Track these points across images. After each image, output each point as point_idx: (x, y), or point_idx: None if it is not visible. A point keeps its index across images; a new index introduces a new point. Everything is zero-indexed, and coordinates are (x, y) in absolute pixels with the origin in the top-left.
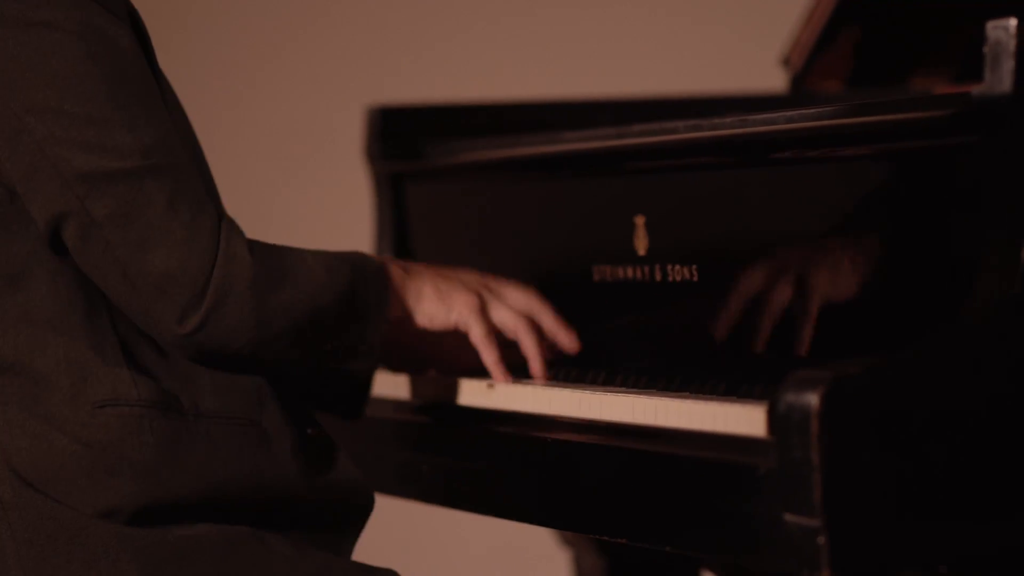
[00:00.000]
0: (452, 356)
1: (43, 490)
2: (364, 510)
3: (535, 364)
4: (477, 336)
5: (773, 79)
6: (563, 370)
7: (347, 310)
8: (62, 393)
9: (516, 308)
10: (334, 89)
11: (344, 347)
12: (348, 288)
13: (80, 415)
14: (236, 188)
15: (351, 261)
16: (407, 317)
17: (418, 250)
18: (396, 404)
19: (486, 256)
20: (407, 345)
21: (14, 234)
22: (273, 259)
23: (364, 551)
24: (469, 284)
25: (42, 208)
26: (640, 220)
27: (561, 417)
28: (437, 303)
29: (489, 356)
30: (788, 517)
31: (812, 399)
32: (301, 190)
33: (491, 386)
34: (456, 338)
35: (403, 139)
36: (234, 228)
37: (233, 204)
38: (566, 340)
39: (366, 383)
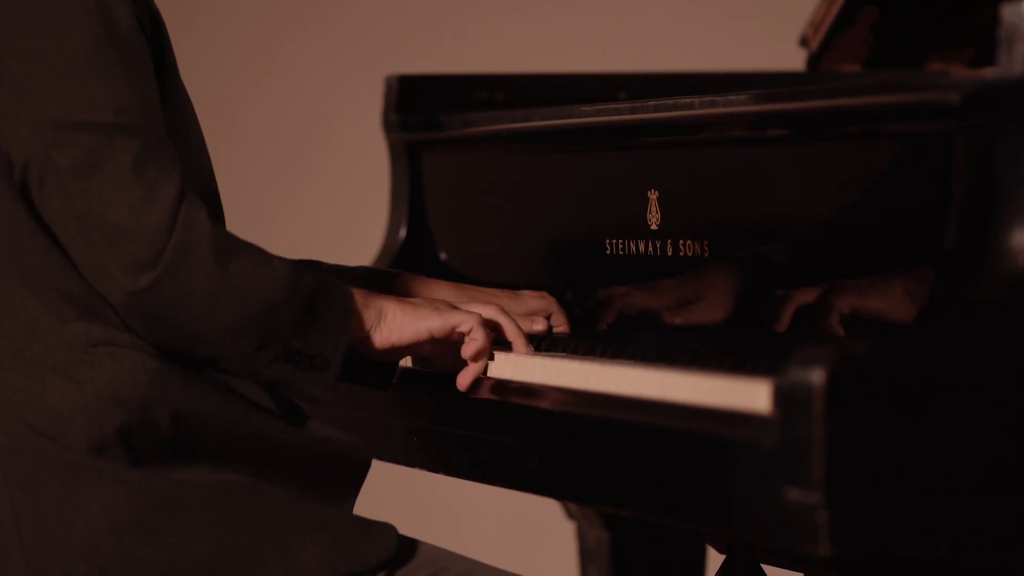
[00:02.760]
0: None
1: (40, 430)
2: (359, 469)
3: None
4: (466, 325)
5: (792, 60)
6: (572, 342)
7: (306, 317)
8: (54, 335)
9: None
10: (353, 59)
11: (301, 356)
12: (309, 295)
13: (73, 354)
14: (255, 160)
15: (317, 276)
16: (369, 337)
17: (432, 220)
18: (401, 372)
19: (499, 227)
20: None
21: (3, 176)
22: (234, 242)
23: (368, 514)
24: (433, 302)
25: (15, 153)
26: (653, 195)
27: (568, 389)
28: (402, 316)
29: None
30: (789, 493)
31: (817, 376)
32: (319, 159)
33: (496, 358)
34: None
35: (421, 109)
36: (197, 202)
37: (252, 177)
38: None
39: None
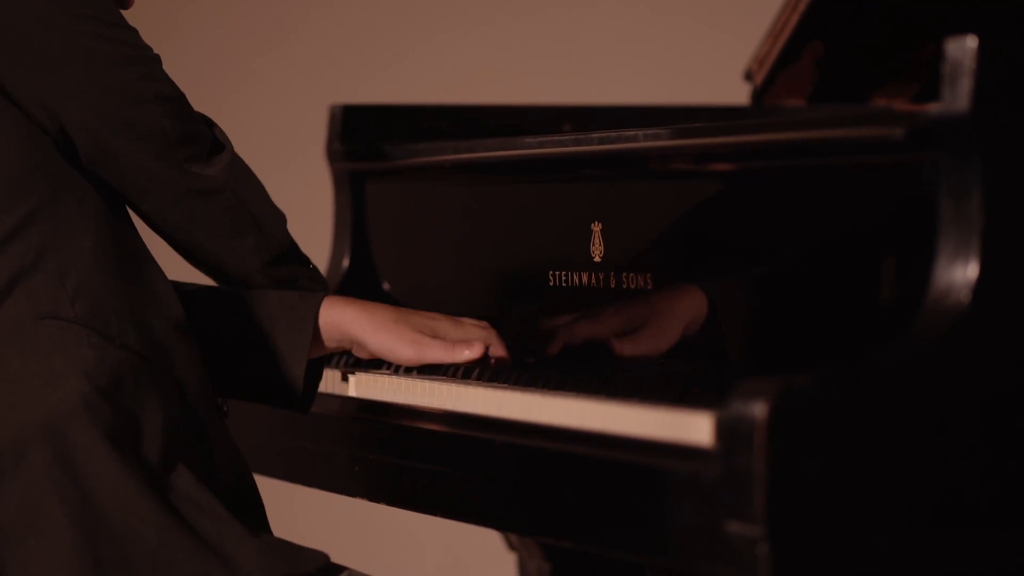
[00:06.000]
0: None
1: None
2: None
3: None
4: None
5: (737, 94)
6: (515, 373)
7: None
8: (3, 312)
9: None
10: (298, 88)
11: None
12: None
13: (23, 327)
14: None
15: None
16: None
17: (376, 249)
18: (343, 400)
19: (443, 258)
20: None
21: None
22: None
23: (308, 543)
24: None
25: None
26: (597, 227)
27: (510, 420)
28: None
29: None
30: (730, 525)
31: (759, 409)
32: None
33: (438, 388)
34: None
35: (365, 138)
36: None
37: None
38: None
39: (316, 370)
